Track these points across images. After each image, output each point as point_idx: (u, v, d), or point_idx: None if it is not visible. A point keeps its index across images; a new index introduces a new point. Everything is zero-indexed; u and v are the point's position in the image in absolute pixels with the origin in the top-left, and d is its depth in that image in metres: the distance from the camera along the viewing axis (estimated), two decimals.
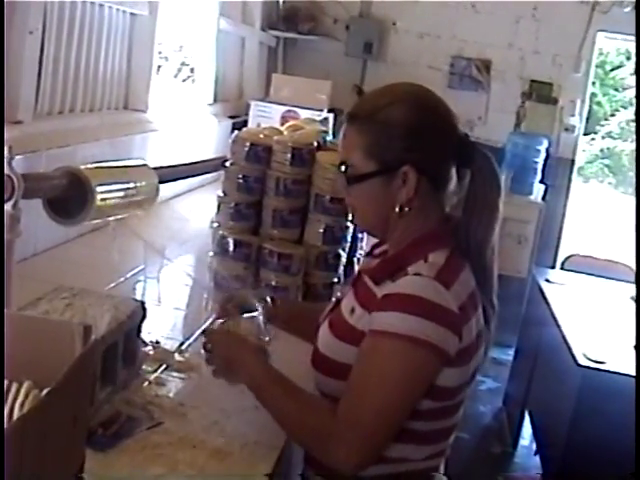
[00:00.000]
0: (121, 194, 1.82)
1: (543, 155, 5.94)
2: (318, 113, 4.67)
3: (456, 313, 1.46)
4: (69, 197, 1.74)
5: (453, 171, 1.59)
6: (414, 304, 1.44)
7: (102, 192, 1.73)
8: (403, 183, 1.54)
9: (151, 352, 2.03)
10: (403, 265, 1.51)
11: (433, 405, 1.51)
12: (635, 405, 3.03)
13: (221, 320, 1.76)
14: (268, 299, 1.87)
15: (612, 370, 3.26)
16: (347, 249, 2.70)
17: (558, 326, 3.77)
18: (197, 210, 3.50)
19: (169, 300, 2.57)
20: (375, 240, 1.77)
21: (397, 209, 1.56)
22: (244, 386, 1.83)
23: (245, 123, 4.70)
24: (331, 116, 4.64)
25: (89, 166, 1.78)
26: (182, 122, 4.21)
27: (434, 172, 1.57)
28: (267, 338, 1.75)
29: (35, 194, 1.64)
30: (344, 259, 2.67)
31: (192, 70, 5.07)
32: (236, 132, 2.66)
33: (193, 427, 1.70)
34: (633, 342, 3.53)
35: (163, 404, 1.78)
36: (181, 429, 1.68)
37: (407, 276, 1.49)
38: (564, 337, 3.59)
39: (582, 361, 3.30)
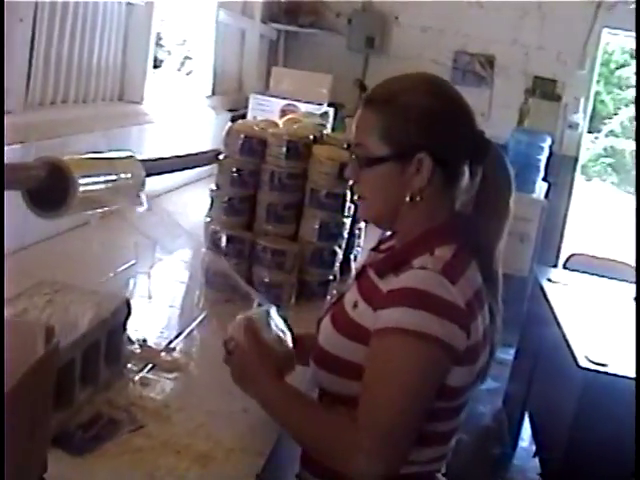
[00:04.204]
0: (104, 186, 1.74)
1: (546, 152, 5.89)
2: (318, 107, 4.60)
3: (463, 309, 1.41)
4: (51, 189, 1.66)
5: (466, 167, 1.54)
6: (419, 298, 1.38)
7: (85, 184, 1.65)
8: (417, 171, 1.49)
9: (137, 351, 1.95)
10: (408, 258, 1.46)
11: (437, 405, 1.45)
12: (636, 408, 2.98)
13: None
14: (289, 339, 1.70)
15: (614, 373, 3.19)
16: (343, 246, 2.64)
17: (559, 326, 3.70)
18: (193, 204, 3.43)
19: (160, 296, 2.50)
20: (382, 237, 1.73)
21: (408, 198, 1.50)
22: (232, 388, 1.77)
23: (244, 116, 4.62)
24: (331, 110, 4.57)
25: (73, 157, 1.71)
26: (179, 114, 4.14)
27: (449, 163, 1.52)
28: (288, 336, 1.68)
29: (12, 185, 1.57)
30: (340, 256, 2.61)
31: None
32: (229, 124, 2.59)
33: (177, 430, 1.63)
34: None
35: (147, 405, 1.71)
36: (164, 432, 1.61)
37: (412, 270, 1.43)
38: (565, 338, 3.53)
39: (584, 363, 3.23)
